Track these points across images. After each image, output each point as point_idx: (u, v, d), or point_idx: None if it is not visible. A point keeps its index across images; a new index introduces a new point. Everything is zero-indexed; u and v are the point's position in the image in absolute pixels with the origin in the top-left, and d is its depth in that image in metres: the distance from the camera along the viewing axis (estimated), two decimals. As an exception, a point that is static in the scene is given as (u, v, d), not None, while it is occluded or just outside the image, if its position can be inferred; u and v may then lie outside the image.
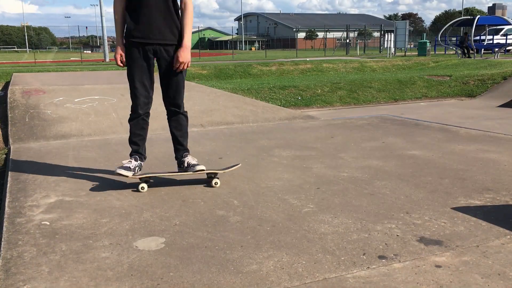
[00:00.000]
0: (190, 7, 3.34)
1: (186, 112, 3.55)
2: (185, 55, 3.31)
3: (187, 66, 3.35)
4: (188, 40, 3.34)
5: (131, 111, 3.42)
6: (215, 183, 3.44)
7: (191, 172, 3.45)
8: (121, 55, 3.36)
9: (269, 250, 2.38)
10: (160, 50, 3.32)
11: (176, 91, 3.41)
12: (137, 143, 3.45)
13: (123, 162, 3.42)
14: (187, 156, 3.53)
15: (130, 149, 3.48)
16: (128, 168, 3.33)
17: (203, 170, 3.44)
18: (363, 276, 2.11)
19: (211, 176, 3.48)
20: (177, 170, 3.57)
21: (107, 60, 27.97)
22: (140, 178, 3.38)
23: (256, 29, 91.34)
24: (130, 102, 3.43)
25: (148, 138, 3.57)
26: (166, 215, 2.90)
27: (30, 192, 3.34)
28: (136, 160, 3.42)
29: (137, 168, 3.41)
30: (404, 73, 15.29)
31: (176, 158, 3.57)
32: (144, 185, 3.36)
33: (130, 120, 3.44)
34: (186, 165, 3.48)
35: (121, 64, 3.38)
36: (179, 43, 3.34)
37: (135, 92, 3.36)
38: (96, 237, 2.56)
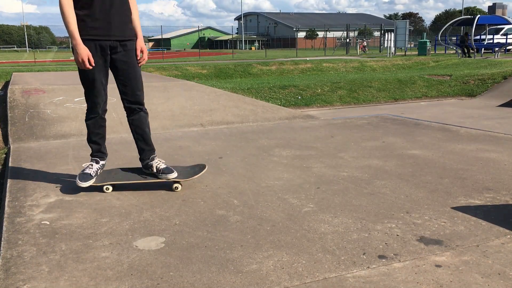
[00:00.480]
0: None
1: (146, 109, 3.42)
2: (144, 45, 3.34)
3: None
4: (140, 31, 3.35)
5: (89, 111, 3.30)
6: (175, 188, 3.35)
7: (160, 180, 3.35)
8: (89, 56, 3.06)
9: (269, 249, 2.38)
10: (117, 45, 3.19)
11: (137, 87, 3.30)
12: (97, 142, 3.37)
13: (83, 165, 3.37)
14: (154, 159, 3.39)
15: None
16: (87, 176, 3.24)
17: (175, 178, 3.33)
18: (363, 275, 2.11)
19: (175, 181, 3.38)
20: (142, 177, 3.41)
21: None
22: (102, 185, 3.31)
23: (256, 29, 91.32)
24: None
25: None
26: (166, 214, 2.90)
27: (30, 192, 3.34)
28: (97, 162, 3.35)
29: (99, 170, 3.34)
30: (404, 72, 15.28)
31: (141, 159, 3.42)
32: (109, 186, 3.33)
33: (87, 120, 3.32)
34: (155, 170, 3.36)
35: (90, 67, 3.08)
36: (135, 37, 3.30)
37: (94, 91, 3.22)
38: (96, 237, 2.56)
